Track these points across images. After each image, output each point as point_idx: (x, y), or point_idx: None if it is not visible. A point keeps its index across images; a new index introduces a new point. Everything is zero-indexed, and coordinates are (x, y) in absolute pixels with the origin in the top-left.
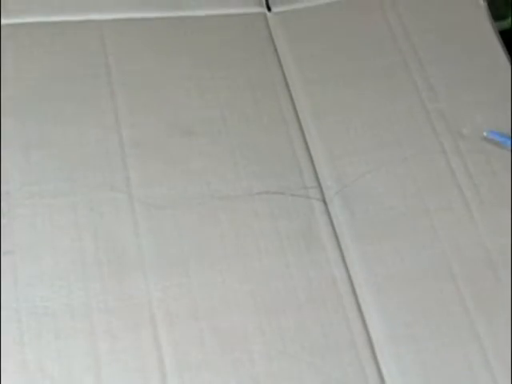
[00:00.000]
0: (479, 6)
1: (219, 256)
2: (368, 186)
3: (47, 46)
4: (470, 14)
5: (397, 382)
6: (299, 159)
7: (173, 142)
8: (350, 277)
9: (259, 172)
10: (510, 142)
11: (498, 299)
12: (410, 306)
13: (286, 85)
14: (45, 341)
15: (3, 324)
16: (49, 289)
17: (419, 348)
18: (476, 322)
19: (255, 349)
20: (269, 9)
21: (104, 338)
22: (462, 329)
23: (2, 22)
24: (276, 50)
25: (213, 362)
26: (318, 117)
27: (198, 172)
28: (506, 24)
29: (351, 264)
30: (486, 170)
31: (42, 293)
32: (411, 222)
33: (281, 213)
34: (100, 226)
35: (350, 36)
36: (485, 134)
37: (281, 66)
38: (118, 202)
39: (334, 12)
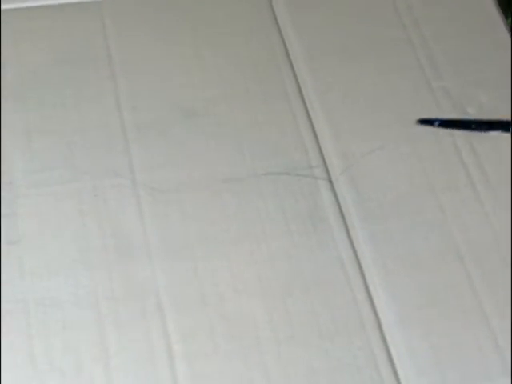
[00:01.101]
0: None
1: (225, 240)
2: (373, 164)
3: (46, 29)
4: None
5: (406, 365)
6: (304, 138)
7: (175, 124)
8: (357, 258)
9: (264, 152)
10: None
11: (505, 279)
12: (419, 288)
13: (289, 61)
14: (52, 332)
15: (10, 316)
16: (55, 279)
17: (428, 330)
18: (484, 302)
19: (263, 334)
20: None
21: (112, 327)
22: (471, 310)
23: (2, 7)
24: (278, 24)
25: (221, 348)
26: (321, 93)
27: (202, 154)
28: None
29: (358, 245)
30: (492, 149)
31: (49, 283)
32: (418, 202)
33: (286, 194)
34: (105, 212)
35: (352, 9)
36: None
37: (283, 41)
38: (122, 187)
39: None
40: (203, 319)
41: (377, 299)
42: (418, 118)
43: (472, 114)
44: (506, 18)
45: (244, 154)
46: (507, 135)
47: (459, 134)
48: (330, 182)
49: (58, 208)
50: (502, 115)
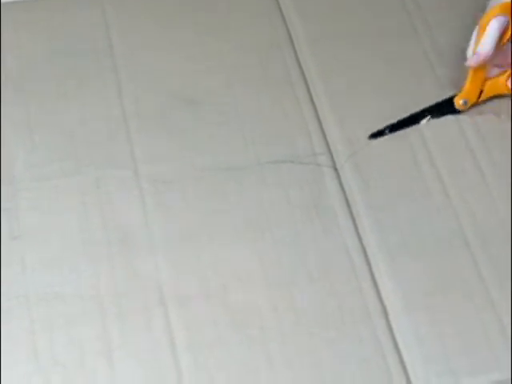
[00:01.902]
0: None
1: (228, 230)
2: (378, 150)
3: (47, 21)
4: None
5: (413, 353)
6: (308, 125)
7: (177, 113)
8: (362, 246)
9: (267, 140)
10: None
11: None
12: (425, 275)
13: (293, 47)
14: (55, 327)
15: (12, 311)
16: (58, 273)
17: (435, 317)
18: (490, 288)
19: (268, 325)
20: None
21: (115, 321)
22: (477, 296)
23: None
24: (281, 9)
25: (225, 339)
26: (325, 79)
27: (205, 143)
28: None
29: (364, 232)
30: (498, 133)
31: (51, 278)
32: (424, 187)
33: (290, 182)
34: (107, 205)
35: None
36: None
37: (286, 26)
38: (124, 179)
39: None
40: (207, 310)
41: (382, 287)
42: (422, 104)
43: None
44: None
45: (247, 142)
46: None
47: (464, 119)
48: (335, 169)
49: (60, 201)
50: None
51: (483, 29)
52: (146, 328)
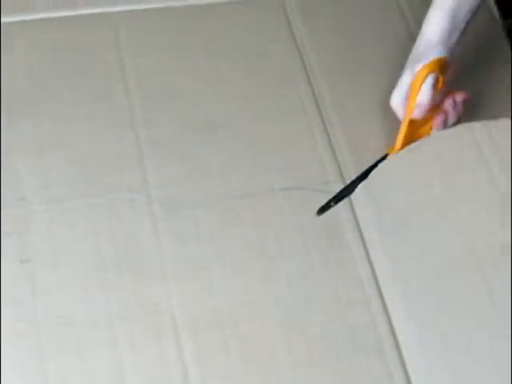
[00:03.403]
0: None
1: (241, 258)
2: (390, 176)
3: (59, 42)
4: None
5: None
6: (321, 152)
7: (190, 139)
8: (375, 276)
9: (280, 167)
10: None
11: None
12: (438, 304)
13: (306, 74)
14: (66, 353)
15: (23, 337)
16: (68, 298)
17: (447, 348)
18: (505, 317)
19: (280, 356)
20: None
21: (126, 348)
22: (491, 324)
23: (13, 19)
24: (294, 36)
25: (237, 370)
26: (339, 107)
27: (217, 169)
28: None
29: (376, 261)
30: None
31: (62, 302)
32: (437, 210)
33: (303, 210)
34: (119, 229)
35: (365, 18)
36: None
37: (300, 54)
38: (136, 203)
39: None
40: (219, 340)
41: (395, 319)
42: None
43: None
44: (505, 19)
45: (260, 168)
46: None
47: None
48: (348, 197)
49: (71, 225)
50: None
51: (418, 87)
52: (158, 357)
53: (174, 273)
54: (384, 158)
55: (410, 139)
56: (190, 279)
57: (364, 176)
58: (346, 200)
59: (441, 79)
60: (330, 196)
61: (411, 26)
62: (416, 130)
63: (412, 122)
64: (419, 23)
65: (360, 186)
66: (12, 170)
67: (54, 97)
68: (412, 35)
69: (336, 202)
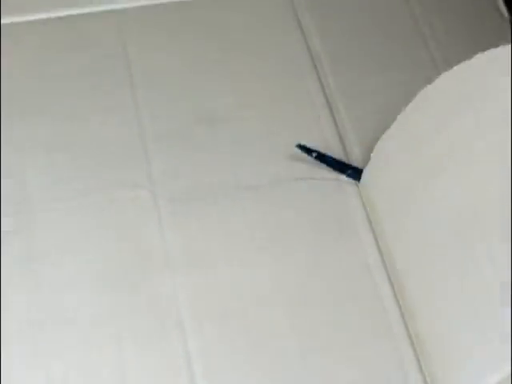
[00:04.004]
0: None
1: (248, 249)
2: (395, 159)
3: (63, 41)
4: None
5: (434, 367)
6: (329, 142)
7: (196, 132)
8: (384, 263)
9: (287, 158)
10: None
11: None
12: (447, 289)
13: (314, 66)
14: (70, 352)
15: (28, 335)
16: (73, 296)
17: (456, 324)
18: None
19: (289, 347)
20: None
21: (131, 344)
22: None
23: (15, 20)
24: (302, 29)
25: (244, 363)
26: (347, 98)
27: (223, 162)
28: None
29: (385, 248)
30: None
31: (66, 301)
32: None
33: (311, 199)
34: (123, 225)
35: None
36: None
37: (308, 46)
38: (141, 198)
39: None
40: (225, 333)
41: (405, 306)
42: None
43: None
44: None
45: (266, 160)
46: None
47: None
48: (356, 184)
49: (76, 222)
50: None
51: None
52: (162, 352)
53: (179, 267)
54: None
55: None
56: (195, 273)
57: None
58: (354, 187)
59: None
60: (339, 183)
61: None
62: None
63: None
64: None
65: (367, 168)
66: (16, 169)
67: (58, 95)
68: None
69: (316, 158)
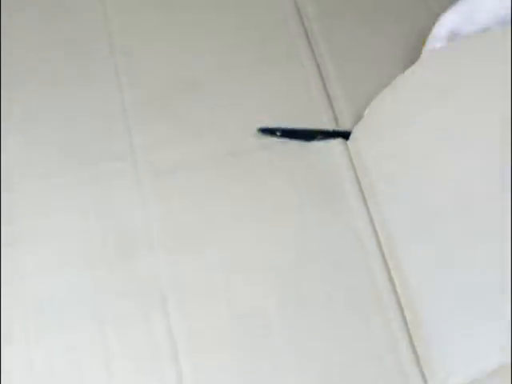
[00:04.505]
0: None
1: (233, 222)
2: (382, 118)
3: (45, 13)
4: None
5: (429, 347)
6: (317, 102)
7: (177, 98)
8: (375, 230)
9: (273, 120)
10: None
11: None
12: (447, 262)
13: (301, 21)
14: (51, 336)
15: (8, 321)
16: (54, 277)
17: (452, 298)
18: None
19: (275, 325)
20: None
21: (113, 326)
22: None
23: None
24: None
25: (229, 341)
26: (335, 56)
27: (207, 128)
28: None
29: (376, 213)
30: None
31: (47, 282)
32: (432, 145)
33: (298, 163)
34: (105, 201)
35: None
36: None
37: (297, 7)
38: (123, 172)
39: None
40: (210, 311)
41: (395, 276)
42: None
43: None
44: None
45: (251, 124)
46: None
47: None
48: (345, 143)
49: (57, 201)
50: None
51: None
52: (145, 333)
53: (162, 244)
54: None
55: None
56: (179, 249)
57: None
58: (342, 147)
59: None
60: (326, 144)
61: None
62: None
63: None
64: None
65: (357, 127)
66: None
67: (36, 66)
68: None
69: (281, 135)
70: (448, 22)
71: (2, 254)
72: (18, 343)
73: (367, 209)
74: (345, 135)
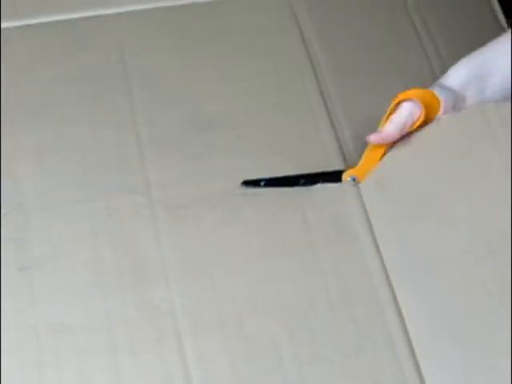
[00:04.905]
0: None
1: (244, 256)
2: (401, 162)
3: (60, 45)
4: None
5: (437, 380)
6: (327, 146)
7: (193, 138)
8: (384, 266)
9: (285, 163)
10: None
11: None
12: (449, 293)
13: (313, 69)
14: (64, 360)
15: (21, 344)
16: (67, 304)
17: (459, 336)
18: None
19: (285, 354)
20: None
21: (126, 352)
22: (503, 314)
23: (15, 24)
24: (302, 33)
25: (241, 371)
26: (346, 104)
27: (221, 168)
28: None
29: (385, 251)
30: None
31: (61, 308)
32: (445, 195)
33: (309, 203)
34: (119, 232)
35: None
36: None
37: (307, 50)
38: (138, 205)
39: None
40: (222, 341)
41: (405, 311)
42: None
43: None
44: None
45: (264, 165)
46: None
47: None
48: (356, 186)
49: (71, 230)
50: None
51: (392, 109)
52: (158, 361)
53: (175, 274)
54: (339, 173)
55: (371, 166)
56: (191, 280)
57: (309, 176)
58: (354, 191)
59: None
60: (338, 187)
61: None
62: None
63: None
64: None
65: (369, 176)
66: (11, 175)
67: (55, 100)
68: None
69: (265, 185)
70: (458, 76)
71: (15, 280)
72: (30, 368)
73: (377, 247)
74: (337, 180)
